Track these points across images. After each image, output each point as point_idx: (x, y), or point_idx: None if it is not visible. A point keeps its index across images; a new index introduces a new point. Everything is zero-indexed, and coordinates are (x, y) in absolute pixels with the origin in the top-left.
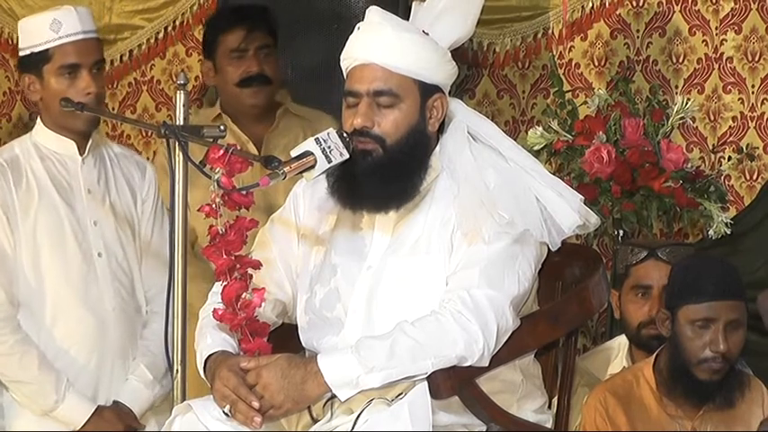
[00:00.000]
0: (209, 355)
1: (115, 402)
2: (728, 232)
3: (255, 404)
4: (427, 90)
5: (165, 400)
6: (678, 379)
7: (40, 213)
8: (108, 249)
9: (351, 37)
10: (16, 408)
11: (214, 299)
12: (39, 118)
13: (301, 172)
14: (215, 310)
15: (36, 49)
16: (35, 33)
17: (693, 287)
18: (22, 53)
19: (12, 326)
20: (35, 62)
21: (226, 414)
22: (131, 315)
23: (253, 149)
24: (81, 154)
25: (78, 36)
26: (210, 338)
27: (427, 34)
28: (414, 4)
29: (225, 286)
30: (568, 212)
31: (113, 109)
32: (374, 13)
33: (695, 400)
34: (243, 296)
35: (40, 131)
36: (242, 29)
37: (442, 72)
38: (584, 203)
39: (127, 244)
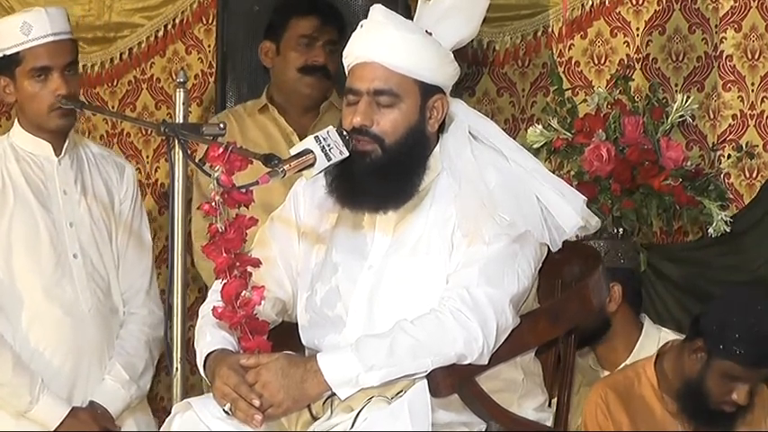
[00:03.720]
0: (209, 354)
1: (91, 403)
2: (728, 230)
3: (256, 402)
4: (428, 90)
5: (141, 401)
6: (687, 399)
7: (15, 215)
8: (84, 251)
9: (353, 35)
10: None
11: (213, 297)
12: (16, 119)
13: (301, 170)
14: (214, 308)
15: (7, 52)
16: (6, 36)
17: (741, 350)
18: None
19: None
20: (7, 65)
21: (226, 412)
22: (107, 316)
23: (297, 141)
24: (57, 155)
25: (48, 38)
26: (210, 336)
27: (431, 34)
28: (419, 1)
29: (224, 284)
30: (569, 213)
31: (113, 107)
32: (377, 12)
33: (702, 422)
34: (242, 294)
35: (17, 133)
36: (316, 18)
37: (443, 73)
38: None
39: (103, 245)
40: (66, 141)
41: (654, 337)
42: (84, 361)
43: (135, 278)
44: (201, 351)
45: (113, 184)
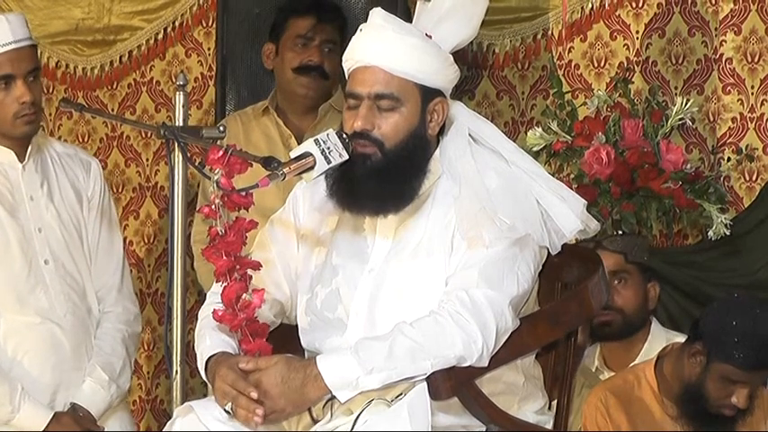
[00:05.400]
0: (210, 357)
1: (73, 406)
2: (728, 233)
3: (254, 394)
4: (428, 94)
5: (123, 400)
6: (687, 403)
7: None
8: (55, 256)
9: (353, 38)
10: None
11: (212, 299)
12: None
13: (300, 173)
14: (215, 311)
15: None
16: None
17: (742, 355)
18: None
19: None
20: None
21: (227, 412)
22: (84, 318)
23: (294, 145)
24: (21, 161)
25: (9, 46)
26: (210, 340)
27: (430, 36)
28: (418, 4)
29: (225, 287)
30: (569, 217)
31: (113, 110)
32: (377, 15)
33: (702, 425)
34: (243, 297)
35: None
36: (313, 17)
37: (443, 76)
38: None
39: (74, 248)
40: (30, 146)
41: (661, 339)
42: (63, 365)
43: (107, 276)
44: (202, 354)
45: (80, 183)
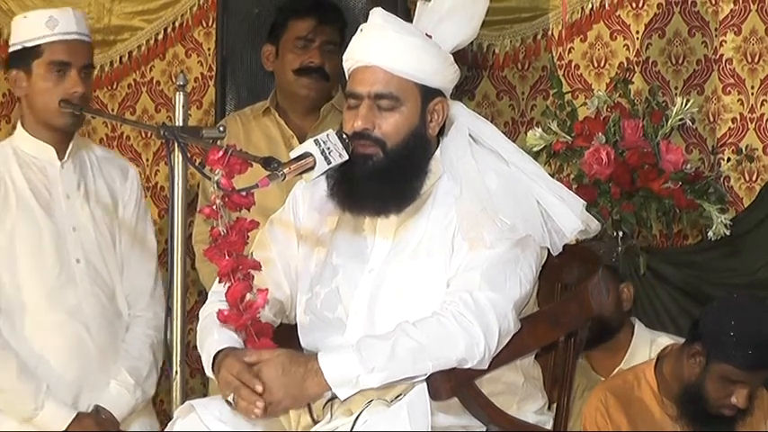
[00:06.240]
0: (218, 352)
1: (96, 408)
2: (728, 233)
3: (258, 387)
4: (428, 94)
5: (146, 404)
6: (687, 404)
7: (18, 220)
8: (87, 255)
9: (353, 38)
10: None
11: (214, 298)
12: (20, 122)
13: (300, 173)
14: (220, 311)
15: (28, 44)
16: (30, 29)
17: (741, 355)
18: (12, 48)
19: None
20: (25, 57)
21: (229, 403)
22: (112, 321)
23: (296, 145)
24: (60, 159)
25: (72, 36)
26: (218, 335)
27: (431, 36)
28: (418, 4)
29: (229, 287)
30: (570, 217)
31: (113, 110)
32: (377, 15)
33: (702, 426)
34: (246, 297)
35: (20, 136)
36: (313, 19)
37: (443, 76)
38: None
39: (106, 250)
40: (70, 145)
41: (645, 340)
42: (89, 366)
43: (139, 281)
44: (209, 349)
45: (117, 187)
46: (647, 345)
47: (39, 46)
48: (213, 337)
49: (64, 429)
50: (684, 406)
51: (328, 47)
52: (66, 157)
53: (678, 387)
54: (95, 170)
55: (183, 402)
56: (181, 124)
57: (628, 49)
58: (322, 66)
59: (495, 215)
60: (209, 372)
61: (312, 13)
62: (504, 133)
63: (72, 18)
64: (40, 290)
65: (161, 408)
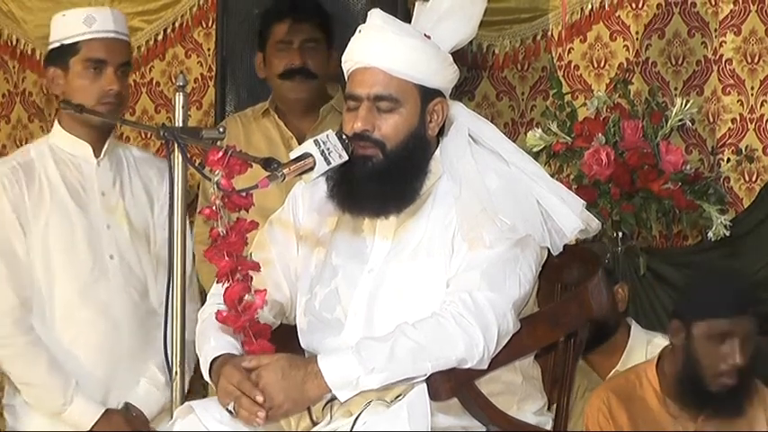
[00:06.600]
0: (215, 359)
1: (126, 405)
2: (727, 234)
3: (259, 398)
4: (428, 94)
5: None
6: (688, 388)
7: (52, 216)
8: (121, 252)
9: (352, 39)
10: (28, 409)
11: (213, 300)
12: (56, 120)
13: (300, 174)
14: (218, 312)
15: (66, 42)
16: (68, 26)
17: (713, 303)
18: (51, 46)
19: (23, 328)
20: (63, 54)
21: (230, 412)
22: (144, 318)
23: (296, 146)
24: (96, 156)
25: (110, 34)
26: (215, 341)
27: (429, 37)
28: (417, 4)
29: (227, 288)
30: (570, 217)
31: None
32: (376, 16)
33: (706, 409)
34: (245, 298)
35: (57, 134)
36: (288, 20)
37: (442, 76)
38: (585, 208)
39: (140, 248)
40: (106, 143)
41: (642, 341)
42: (119, 363)
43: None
44: (206, 356)
45: (153, 187)
46: (643, 345)
47: (76, 43)
48: (210, 343)
49: (92, 425)
50: (686, 394)
51: (309, 44)
52: (102, 155)
53: (674, 375)
54: (132, 169)
55: (182, 402)
56: (180, 125)
57: (627, 49)
58: (304, 65)
59: (494, 215)
60: (206, 376)
61: (287, 14)
62: (504, 134)
63: (110, 16)
64: (72, 285)
65: None
